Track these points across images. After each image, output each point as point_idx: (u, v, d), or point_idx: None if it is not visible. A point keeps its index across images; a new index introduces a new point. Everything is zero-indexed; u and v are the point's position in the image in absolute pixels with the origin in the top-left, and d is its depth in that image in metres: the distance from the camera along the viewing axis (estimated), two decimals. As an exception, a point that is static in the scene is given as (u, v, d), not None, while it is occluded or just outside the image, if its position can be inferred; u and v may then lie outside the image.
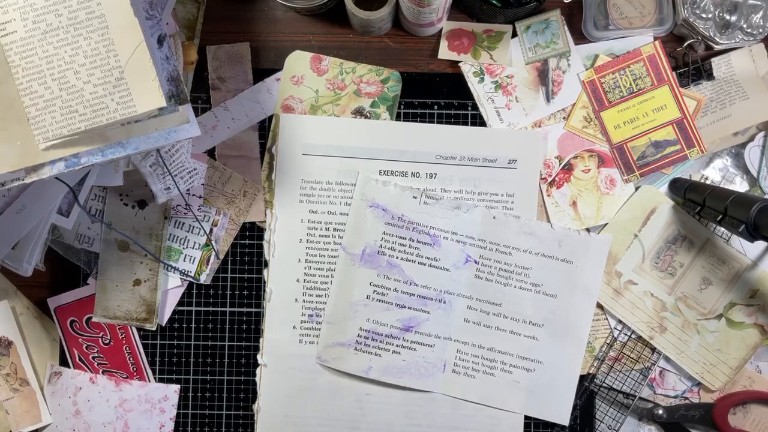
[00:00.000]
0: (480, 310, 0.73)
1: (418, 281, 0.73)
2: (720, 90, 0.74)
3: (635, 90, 0.74)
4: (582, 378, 0.74)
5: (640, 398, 0.74)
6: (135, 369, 0.75)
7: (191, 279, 0.74)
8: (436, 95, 0.76)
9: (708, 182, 0.75)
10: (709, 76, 0.74)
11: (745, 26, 0.72)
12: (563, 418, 0.73)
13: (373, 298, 0.73)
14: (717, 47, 0.73)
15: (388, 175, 0.74)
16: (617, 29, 0.74)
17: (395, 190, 0.73)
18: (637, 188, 0.75)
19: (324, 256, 0.74)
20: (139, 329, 0.75)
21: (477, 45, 0.75)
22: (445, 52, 0.75)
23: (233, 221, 0.75)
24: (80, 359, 0.75)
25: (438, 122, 0.76)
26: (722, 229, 0.73)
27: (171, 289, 0.75)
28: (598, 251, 0.73)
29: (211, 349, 0.76)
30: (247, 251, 0.76)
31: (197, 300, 0.76)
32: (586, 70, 0.75)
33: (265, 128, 0.76)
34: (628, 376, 0.74)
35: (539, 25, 0.74)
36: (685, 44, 0.74)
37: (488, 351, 0.73)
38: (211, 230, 0.74)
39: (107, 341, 0.75)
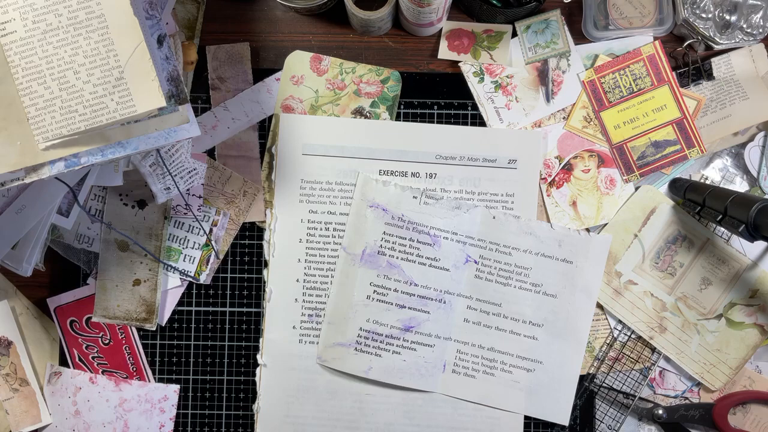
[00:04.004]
0: (480, 310, 0.73)
1: (418, 281, 0.73)
2: (720, 90, 0.74)
3: (635, 90, 0.74)
4: (582, 378, 0.74)
5: (640, 398, 0.74)
6: (135, 369, 0.75)
7: (191, 279, 0.74)
8: (436, 95, 0.76)
9: (708, 182, 0.75)
10: (709, 76, 0.74)
11: (745, 26, 0.72)
12: (563, 418, 0.73)
13: (373, 299, 0.73)
14: (717, 47, 0.73)
15: (388, 175, 0.74)
16: (617, 29, 0.74)
17: (395, 190, 0.73)
18: (637, 188, 0.75)
19: (324, 256, 0.74)
20: (138, 329, 0.75)
21: (477, 45, 0.75)
22: (445, 52, 0.75)
23: (233, 221, 0.75)
24: (80, 359, 0.75)
25: (438, 122, 0.76)
26: (722, 229, 0.73)
27: (171, 289, 0.75)
28: (598, 251, 0.73)
29: (211, 349, 0.76)
30: (247, 251, 0.76)
31: (197, 300, 0.76)
32: (586, 70, 0.75)
33: (265, 128, 0.76)
34: (628, 376, 0.74)
35: (539, 25, 0.74)
36: (685, 44, 0.74)
37: (488, 351, 0.73)
38: (211, 230, 0.74)
39: (107, 341, 0.75)
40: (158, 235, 0.73)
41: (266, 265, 0.75)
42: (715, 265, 0.73)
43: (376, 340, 0.73)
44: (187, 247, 0.74)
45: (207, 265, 0.74)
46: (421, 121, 0.76)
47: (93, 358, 0.75)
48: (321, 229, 0.74)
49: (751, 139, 0.74)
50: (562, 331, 0.73)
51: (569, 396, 0.73)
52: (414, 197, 0.73)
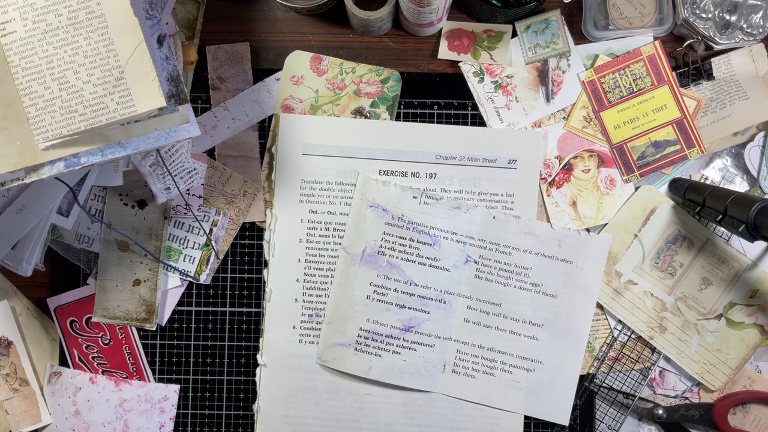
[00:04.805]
0: (480, 310, 0.73)
1: (418, 281, 0.73)
2: (720, 90, 0.74)
3: (635, 90, 0.74)
4: (582, 378, 0.74)
5: (640, 398, 0.74)
6: (135, 369, 0.75)
7: (191, 279, 0.74)
8: (436, 95, 0.76)
9: (708, 182, 0.75)
10: (709, 76, 0.74)
11: (745, 26, 0.72)
12: (563, 418, 0.73)
13: (373, 299, 0.73)
14: (717, 47, 0.73)
15: (388, 175, 0.74)
16: (617, 29, 0.74)
17: (395, 190, 0.73)
18: (637, 188, 0.75)
19: (324, 256, 0.74)
20: (138, 329, 0.75)
21: (477, 45, 0.75)
22: (445, 52, 0.75)
23: (233, 221, 0.75)
24: (80, 359, 0.75)
25: (438, 122, 0.76)
26: (722, 229, 0.73)
27: (171, 289, 0.75)
28: (598, 251, 0.73)
29: (211, 349, 0.76)
30: (247, 251, 0.76)
31: (197, 300, 0.76)
32: (586, 70, 0.75)
33: (265, 128, 0.76)
34: (628, 376, 0.74)
35: (539, 25, 0.74)
36: (685, 44, 0.74)
37: (488, 351, 0.73)
38: (211, 230, 0.74)
39: (107, 341, 0.75)
40: (158, 235, 0.73)
41: (266, 265, 0.75)
42: (715, 265, 0.73)
43: (376, 340, 0.73)
44: (187, 247, 0.74)
45: (207, 265, 0.74)
46: (421, 121, 0.76)
47: (93, 358, 0.75)
48: (321, 229, 0.74)
49: (751, 139, 0.74)
50: (562, 331, 0.73)
51: (569, 396, 0.73)
52: (414, 197, 0.73)
